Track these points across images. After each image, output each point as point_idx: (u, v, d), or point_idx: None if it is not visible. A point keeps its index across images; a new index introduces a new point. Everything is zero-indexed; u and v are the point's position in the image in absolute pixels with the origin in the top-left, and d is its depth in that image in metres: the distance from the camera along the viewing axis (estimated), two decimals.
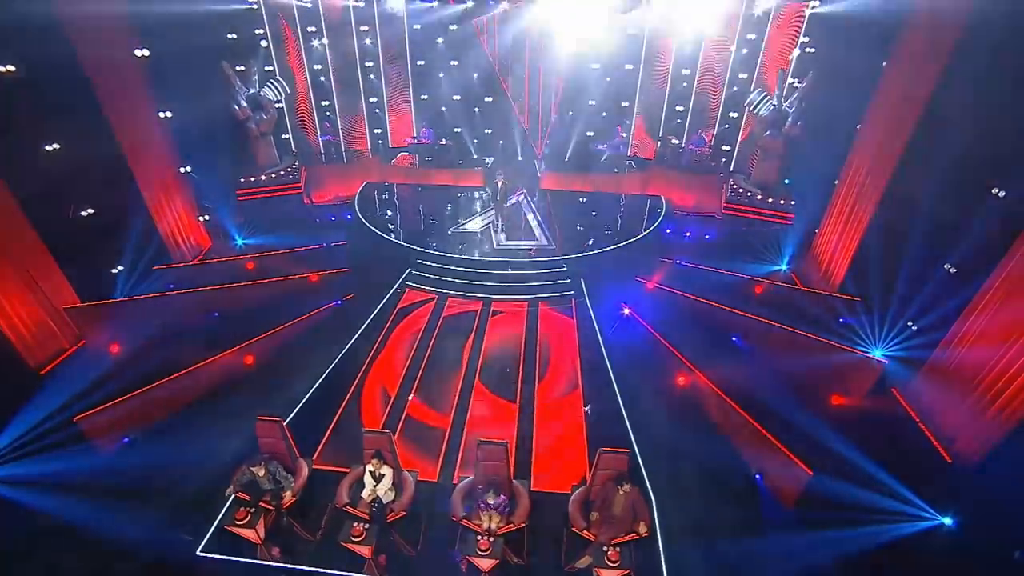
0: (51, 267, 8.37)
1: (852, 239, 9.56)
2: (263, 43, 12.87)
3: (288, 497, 5.71)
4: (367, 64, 14.55)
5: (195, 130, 10.48)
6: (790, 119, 10.63)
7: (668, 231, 12.36)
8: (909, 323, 8.15)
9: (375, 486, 5.74)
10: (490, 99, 15.41)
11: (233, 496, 5.64)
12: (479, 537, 5.24)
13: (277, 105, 12.34)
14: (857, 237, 9.45)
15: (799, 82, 11.05)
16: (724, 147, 14.24)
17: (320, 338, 8.99)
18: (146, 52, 9.41)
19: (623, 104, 14.90)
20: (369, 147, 15.38)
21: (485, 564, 5.29)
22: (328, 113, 14.79)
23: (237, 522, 5.39)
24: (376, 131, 15.49)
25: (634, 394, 7.88)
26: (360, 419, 7.58)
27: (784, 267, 10.92)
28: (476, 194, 13.80)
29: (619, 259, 11.04)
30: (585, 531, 5.46)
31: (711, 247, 11.80)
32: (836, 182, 10.13)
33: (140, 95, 9.41)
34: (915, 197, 8.17)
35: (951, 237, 7.55)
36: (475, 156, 15.43)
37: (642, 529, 5.36)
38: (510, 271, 10.47)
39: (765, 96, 11.08)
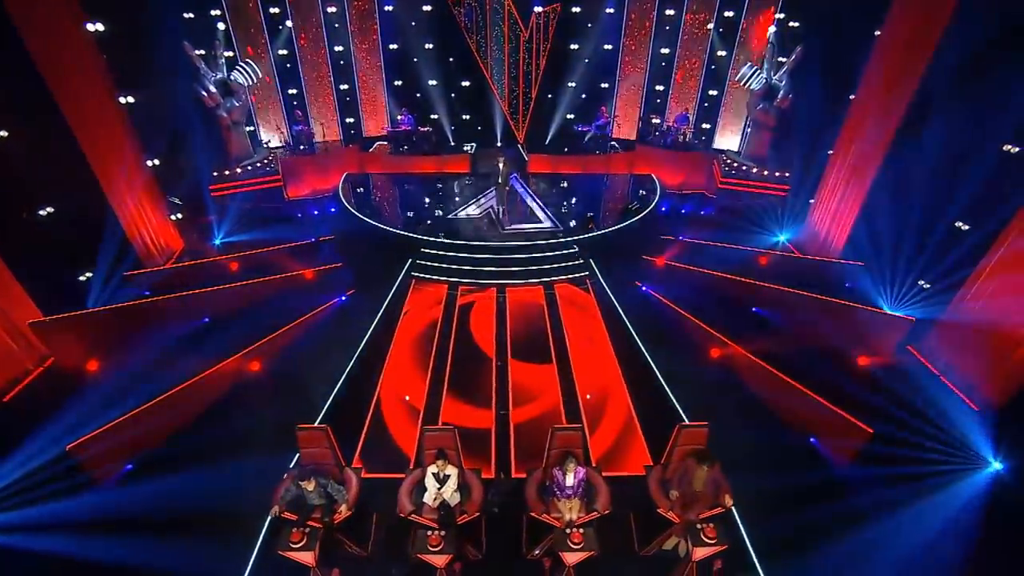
0: (5, 277, 7.18)
1: (852, 206, 9.82)
2: (220, 25, 11.73)
3: (344, 511, 5.10)
4: (336, 49, 13.64)
5: (159, 119, 9.36)
6: (781, 92, 10.81)
7: (664, 209, 12.34)
8: (921, 282, 8.43)
9: (439, 489, 5.24)
10: (468, 83, 14.87)
11: (275, 517, 4.98)
12: (569, 530, 4.86)
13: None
14: (857, 204, 9.72)
15: (781, 57, 11.26)
16: (704, 125, 14.44)
17: (329, 338, 8.28)
18: (99, 27, 8.25)
19: (603, 85, 14.81)
20: (341, 137, 14.48)
21: (573, 558, 4.93)
22: (295, 103, 13.79)
23: (292, 545, 4.74)
24: (349, 120, 14.62)
25: (669, 369, 7.74)
26: (385, 422, 6.98)
27: (782, 238, 11.14)
28: (466, 180, 13.27)
29: (623, 239, 10.89)
30: (670, 512, 5.21)
31: (709, 222, 11.89)
32: (830, 152, 10.40)
33: (95, 76, 8.24)
34: (918, 161, 8.43)
35: (959, 196, 7.84)
36: (452, 143, 14.86)
37: (728, 502, 5.17)
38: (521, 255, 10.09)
39: (756, 70, 11.21)
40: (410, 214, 11.34)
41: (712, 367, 7.88)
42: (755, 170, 11.61)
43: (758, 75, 11.17)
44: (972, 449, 6.43)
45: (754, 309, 8.94)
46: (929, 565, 5.19)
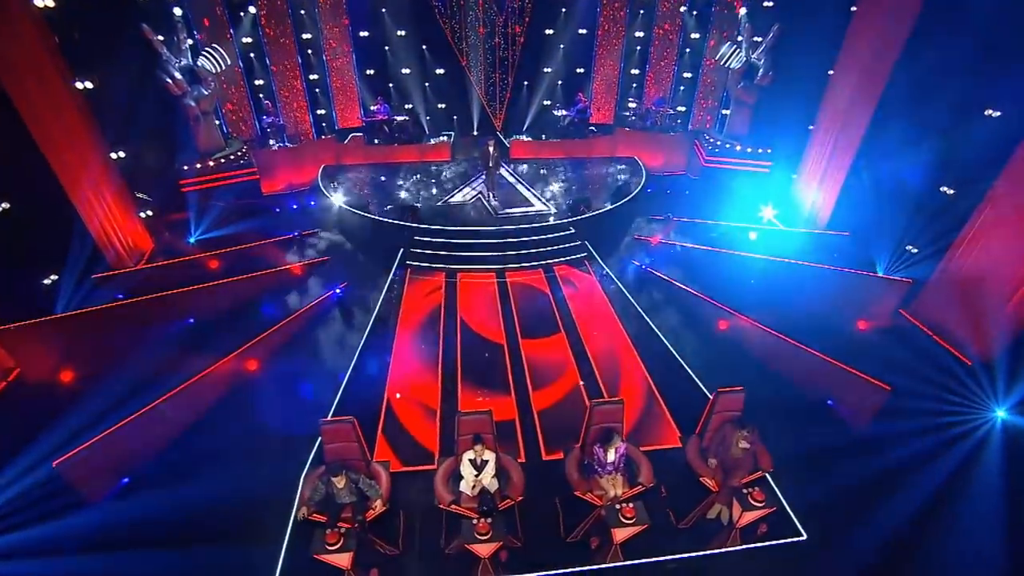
0: None
1: (836, 179, 10.09)
2: (176, 10, 10.91)
3: (379, 506, 4.78)
4: (304, 36, 12.99)
5: (121, 107, 8.61)
6: (761, 70, 11.01)
7: (649, 191, 12.37)
8: (909, 247, 8.74)
9: (477, 476, 4.98)
10: (443, 71, 14.48)
11: (303, 520, 4.62)
12: (619, 506, 4.71)
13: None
14: (841, 176, 9.99)
15: (757, 37, 11.44)
16: (680, 108, 14.58)
17: (327, 333, 7.86)
18: (48, 2, 7.48)
19: (578, 70, 14.74)
20: (313, 129, 13.82)
21: (623, 534, 4.79)
22: (261, 95, 13.05)
23: (328, 548, 4.38)
24: (320, 112, 13.97)
25: (680, 343, 7.75)
26: (397, 417, 6.64)
27: (768, 213, 11.36)
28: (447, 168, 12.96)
29: (615, 220, 10.86)
30: (713, 481, 5.16)
31: (695, 201, 12.03)
32: (811, 127, 10.67)
33: (45, 58, 7.45)
34: (900, 130, 8.73)
35: (943, 162, 8.15)
36: (428, 133, 14.43)
37: (768, 465, 5.18)
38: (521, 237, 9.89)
39: (735, 49, 11.37)
40: (398, 203, 10.92)
41: (721, 339, 7.90)
42: (738, 148, 11.80)
43: (737, 54, 11.33)
44: (976, 400, 6.69)
45: (752, 281, 9.04)
46: (957, 512, 5.34)
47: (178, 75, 9.48)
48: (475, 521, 4.59)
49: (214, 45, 10.30)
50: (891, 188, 9.04)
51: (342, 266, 9.52)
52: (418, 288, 9.08)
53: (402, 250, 9.64)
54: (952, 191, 8.13)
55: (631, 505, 4.69)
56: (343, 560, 4.53)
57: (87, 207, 8.13)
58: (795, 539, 5.17)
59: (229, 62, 10.59)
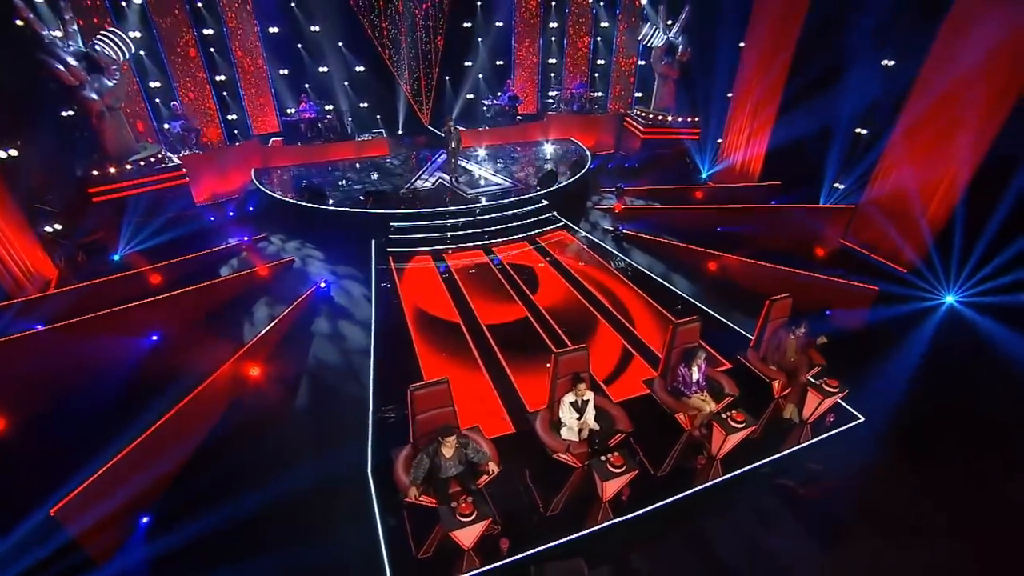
0: None
1: (761, 137, 11.34)
2: None
3: (493, 469, 4.31)
4: (206, 32, 11.58)
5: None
6: (680, 48, 12.10)
7: (593, 167, 12.90)
8: (836, 184, 10.09)
9: (580, 418, 4.74)
10: (362, 68, 13.81)
11: (415, 500, 4.07)
12: (726, 414, 4.77)
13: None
14: (765, 134, 11.25)
15: (669, 20, 12.61)
16: (596, 92, 15.46)
17: (328, 330, 7.00)
18: None
19: (498, 63, 15.00)
20: (224, 136, 12.32)
21: (736, 439, 4.84)
22: (157, 99, 11.35)
23: (463, 519, 3.84)
24: (232, 117, 12.50)
25: (679, 285, 8.17)
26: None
27: (703, 175, 12.45)
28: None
29: (573, 194, 11.15)
30: (778, 384, 5.46)
31: (636, 172, 12.79)
32: (730, 95, 11.92)
33: None
34: (813, 86, 10.10)
35: (853, 108, 9.58)
36: (350, 132, 13.63)
37: (820, 359, 5.61)
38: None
39: (656, 29, 12.34)
40: (359, 192, 10.12)
41: (715, 277, 8.41)
42: (669, 119, 12.79)
43: (657, 33, 12.33)
44: (931, 293, 7.89)
45: (719, 229, 9.80)
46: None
47: (72, 61, 7.83)
48: (605, 458, 4.34)
49: (112, 29, 8.70)
50: (812, 137, 10.37)
51: (312, 264, 8.59)
52: (408, 275, 8.46)
53: (374, 241, 8.94)
54: (865, 131, 9.57)
55: (737, 411, 4.78)
56: (468, 538, 3.99)
57: None
58: (857, 422, 5.62)
59: (132, 48, 9.03)
